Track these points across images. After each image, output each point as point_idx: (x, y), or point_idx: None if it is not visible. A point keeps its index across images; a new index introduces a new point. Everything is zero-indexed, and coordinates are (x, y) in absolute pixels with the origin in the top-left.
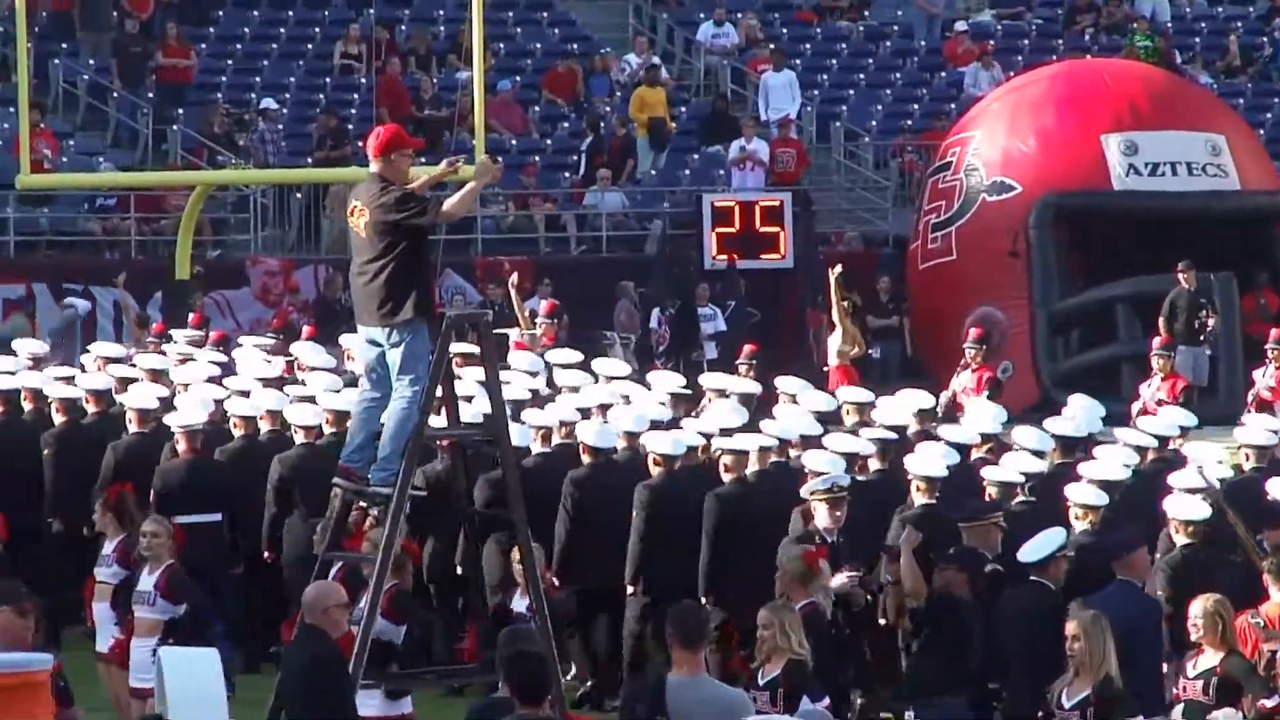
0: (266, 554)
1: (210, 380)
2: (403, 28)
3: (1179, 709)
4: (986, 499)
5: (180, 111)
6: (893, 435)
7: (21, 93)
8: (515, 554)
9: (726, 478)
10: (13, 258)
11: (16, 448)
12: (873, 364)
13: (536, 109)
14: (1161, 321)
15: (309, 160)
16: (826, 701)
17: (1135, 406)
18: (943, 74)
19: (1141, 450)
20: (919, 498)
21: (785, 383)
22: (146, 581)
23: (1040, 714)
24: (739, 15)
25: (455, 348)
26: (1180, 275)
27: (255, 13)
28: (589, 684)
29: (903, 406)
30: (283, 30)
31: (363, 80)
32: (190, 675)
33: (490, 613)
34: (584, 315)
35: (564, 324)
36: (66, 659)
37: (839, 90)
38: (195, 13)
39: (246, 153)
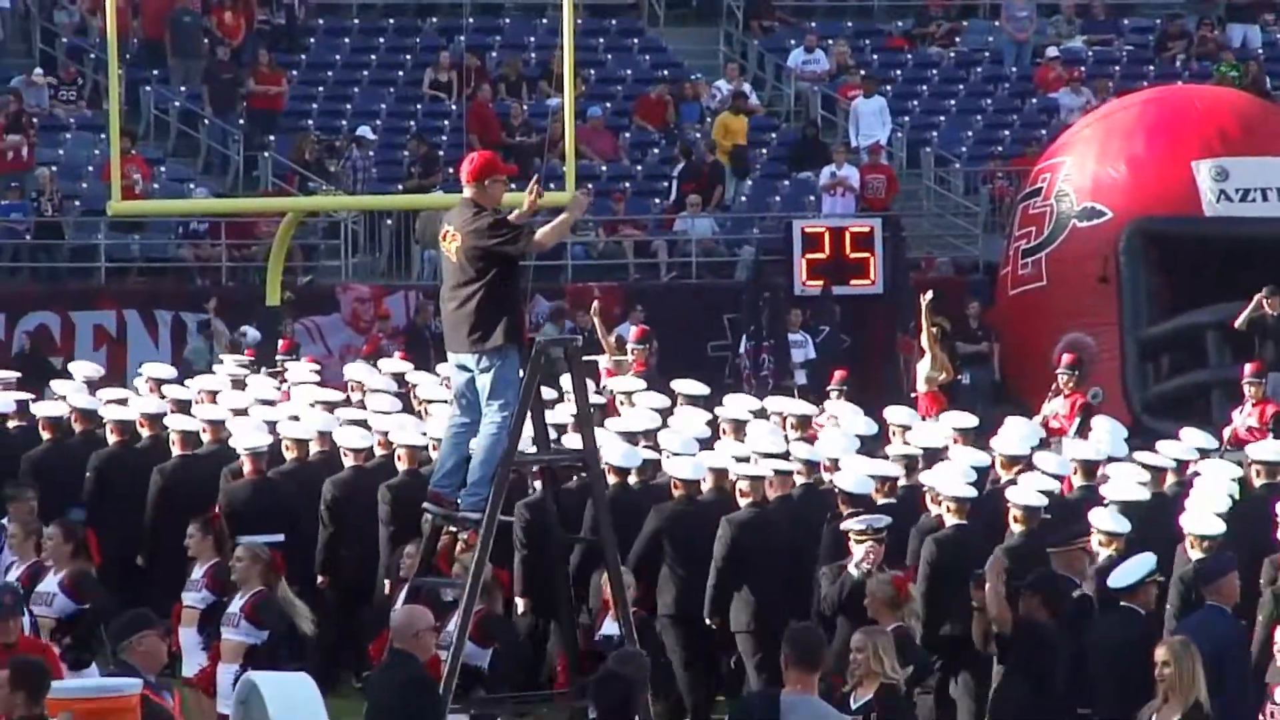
0: (320, 579)
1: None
2: (493, 54)
3: None
4: (1011, 520)
5: (271, 138)
6: (917, 452)
7: (113, 119)
8: (605, 579)
9: (742, 502)
10: (104, 284)
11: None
12: (962, 390)
13: (627, 135)
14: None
15: (399, 187)
16: None
17: (1226, 432)
18: (1033, 100)
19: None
20: (950, 518)
21: (894, 414)
22: (235, 604)
23: None
24: (830, 41)
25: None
26: (1265, 301)
27: (346, 40)
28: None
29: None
30: (373, 57)
31: (453, 107)
32: (292, 699)
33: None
34: (675, 341)
35: (654, 350)
36: None
37: (929, 116)
38: (286, 40)
39: (337, 179)
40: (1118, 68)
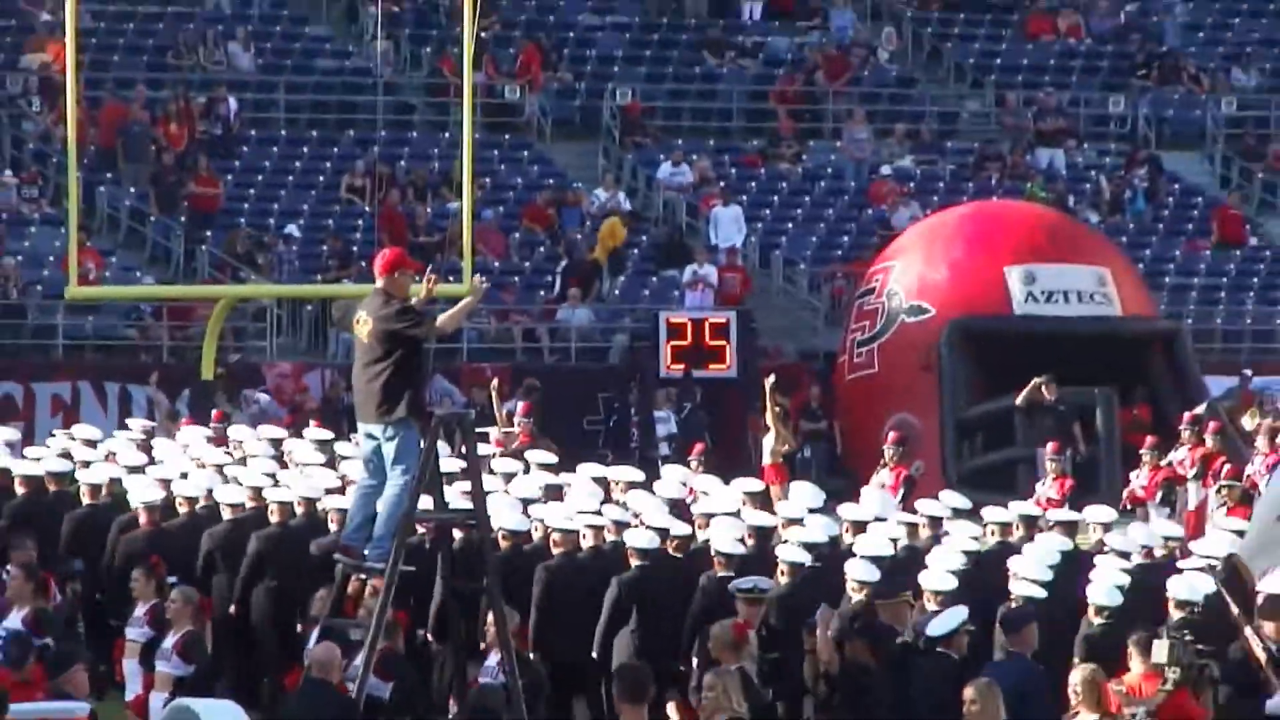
0: (233, 609)
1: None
2: (402, 163)
3: None
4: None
5: (208, 234)
6: (771, 521)
7: (71, 216)
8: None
9: (556, 551)
10: (62, 359)
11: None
12: (805, 463)
13: (516, 235)
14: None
15: (318, 278)
16: None
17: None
18: (868, 211)
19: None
20: (783, 578)
21: (743, 484)
22: (168, 641)
23: None
24: (693, 157)
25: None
26: (1043, 387)
27: (274, 149)
28: None
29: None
30: (298, 164)
31: (366, 209)
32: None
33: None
34: (556, 416)
35: (537, 424)
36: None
37: (779, 224)
38: (222, 148)
39: (264, 270)
40: (942, 184)
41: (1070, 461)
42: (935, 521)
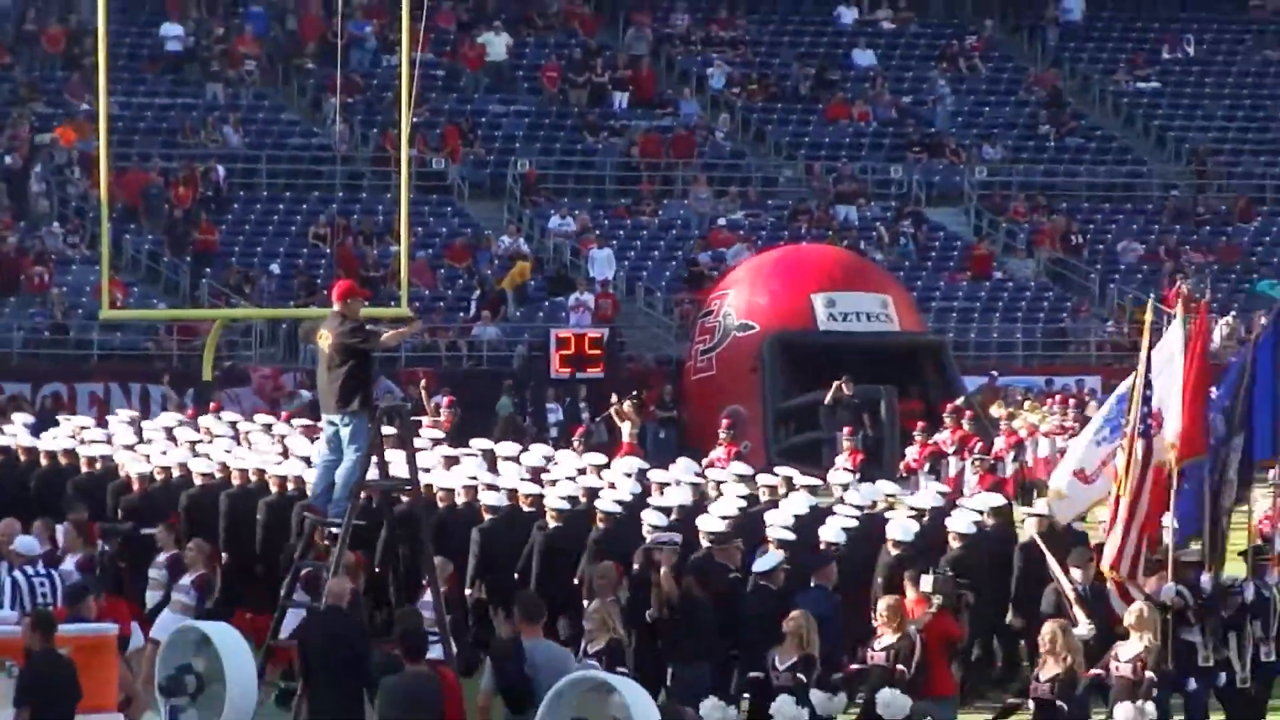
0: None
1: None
2: (354, 217)
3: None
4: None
5: (208, 270)
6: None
7: (103, 257)
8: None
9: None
10: (96, 365)
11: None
12: (661, 443)
13: (442, 271)
14: (835, 417)
15: (291, 303)
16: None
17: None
18: (709, 252)
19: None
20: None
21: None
22: (187, 579)
23: (761, 674)
24: (576, 212)
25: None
26: (843, 385)
27: (258, 205)
28: None
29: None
30: (275, 218)
31: (328, 250)
32: (226, 633)
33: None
34: (470, 408)
35: (457, 415)
36: None
37: (641, 262)
38: (218, 205)
39: (251, 297)
40: (764, 232)
41: (861, 441)
42: (772, 489)
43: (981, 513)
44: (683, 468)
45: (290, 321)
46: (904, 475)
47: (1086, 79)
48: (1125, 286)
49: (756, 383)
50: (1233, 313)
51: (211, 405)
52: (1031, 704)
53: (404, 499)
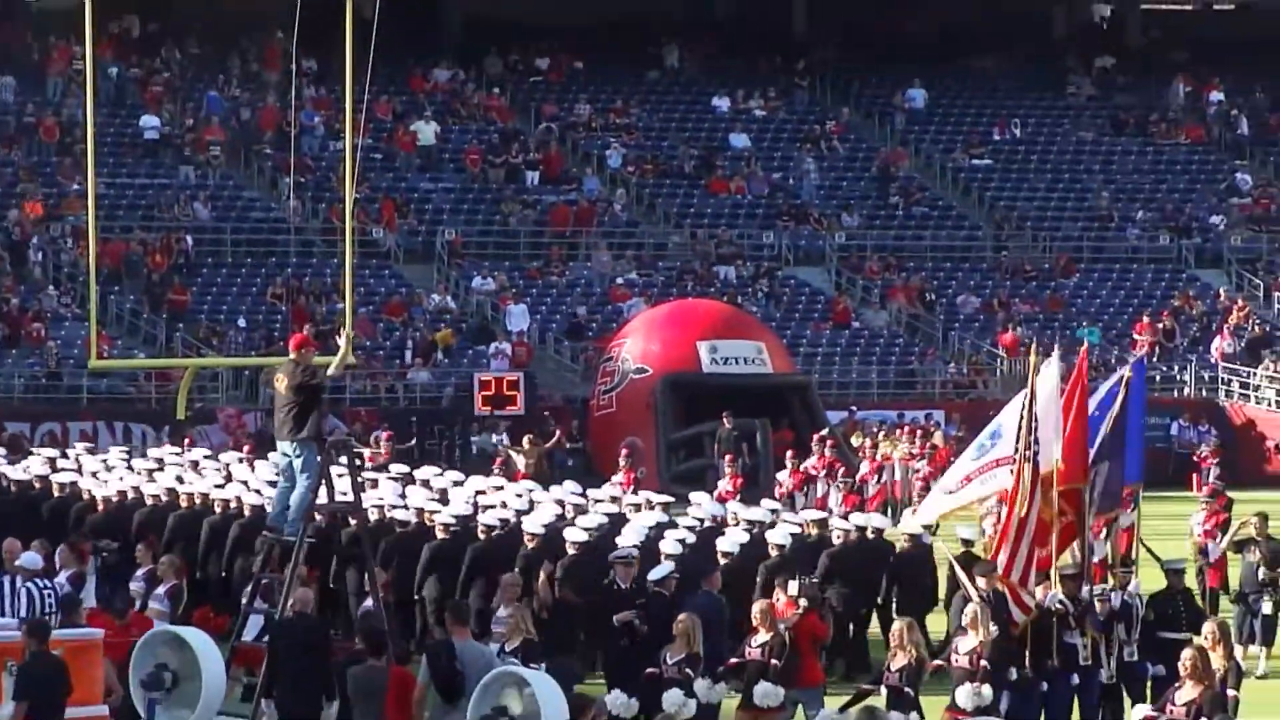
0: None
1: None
2: (307, 278)
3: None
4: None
5: (180, 325)
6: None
7: (91, 315)
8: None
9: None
10: (86, 406)
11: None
12: (569, 469)
13: (381, 324)
14: (719, 446)
15: (253, 353)
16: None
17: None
18: (609, 306)
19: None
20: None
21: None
22: (161, 589)
23: (656, 669)
24: (496, 273)
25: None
26: (725, 420)
27: (224, 269)
28: None
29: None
30: (239, 279)
31: (284, 308)
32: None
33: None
34: (406, 441)
35: (394, 447)
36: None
37: (551, 315)
38: (188, 268)
39: (218, 348)
40: (656, 289)
41: (740, 467)
42: (666, 507)
43: (806, 525)
44: (565, 490)
45: (252, 369)
46: (778, 497)
47: (929, 157)
48: (964, 334)
49: (651, 418)
50: (1055, 354)
51: (185, 440)
52: (884, 689)
53: (351, 521)
